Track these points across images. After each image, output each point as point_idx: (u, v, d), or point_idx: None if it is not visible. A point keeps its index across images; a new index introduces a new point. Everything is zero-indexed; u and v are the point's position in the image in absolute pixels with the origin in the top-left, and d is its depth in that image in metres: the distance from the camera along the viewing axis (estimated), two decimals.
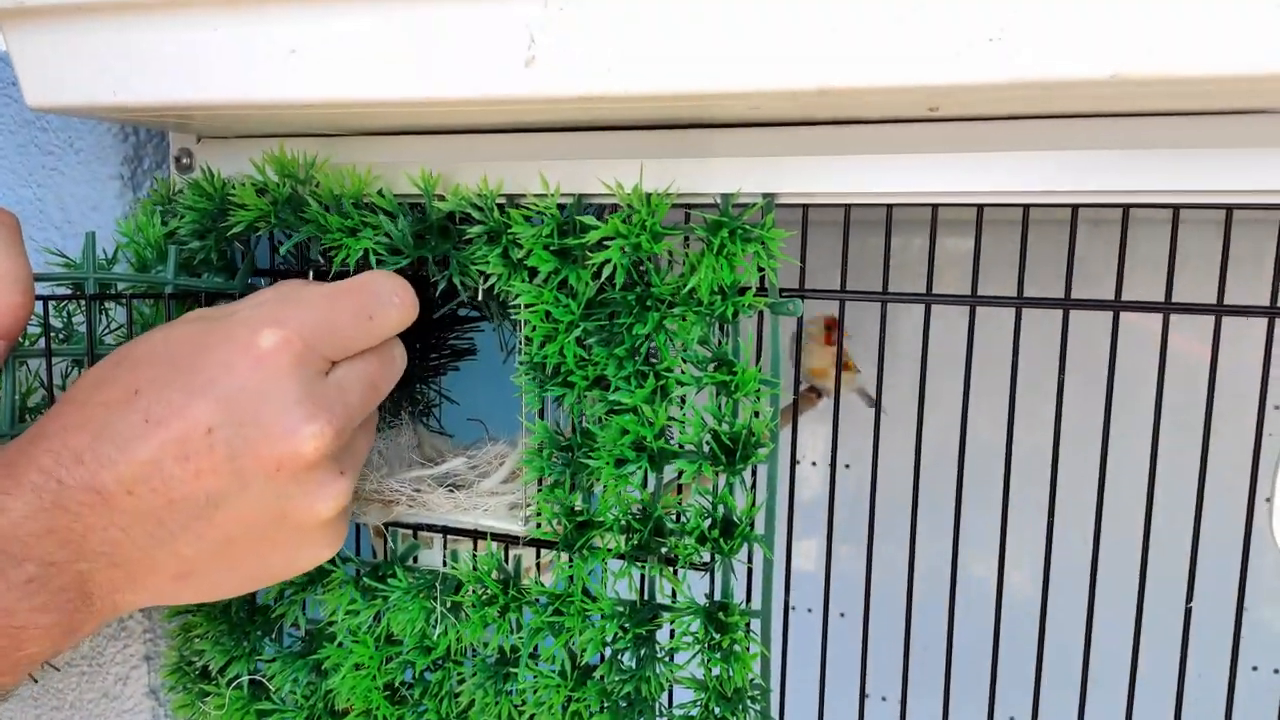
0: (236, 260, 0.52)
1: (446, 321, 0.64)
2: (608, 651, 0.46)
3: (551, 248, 0.44)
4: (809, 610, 1.00)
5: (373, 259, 0.47)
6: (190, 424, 0.37)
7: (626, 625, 0.46)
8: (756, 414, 0.44)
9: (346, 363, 0.41)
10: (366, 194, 0.48)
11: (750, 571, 0.47)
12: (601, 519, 0.46)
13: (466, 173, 0.48)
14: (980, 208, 0.42)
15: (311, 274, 0.52)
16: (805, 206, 0.44)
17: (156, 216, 0.51)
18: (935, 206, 0.43)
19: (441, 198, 0.46)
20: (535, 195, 0.45)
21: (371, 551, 0.57)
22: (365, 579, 0.50)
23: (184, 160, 0.55)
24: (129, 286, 0.50)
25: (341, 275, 0.51)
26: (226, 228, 0.49)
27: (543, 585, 0.48)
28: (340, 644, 0.50)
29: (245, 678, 0.52)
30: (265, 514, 0.39)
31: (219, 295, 0.51)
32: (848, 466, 1.23)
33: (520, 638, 0.48)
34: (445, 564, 0.51)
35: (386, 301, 0.43)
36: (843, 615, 1.25)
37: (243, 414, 0.38)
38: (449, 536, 0.53)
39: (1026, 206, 0.42)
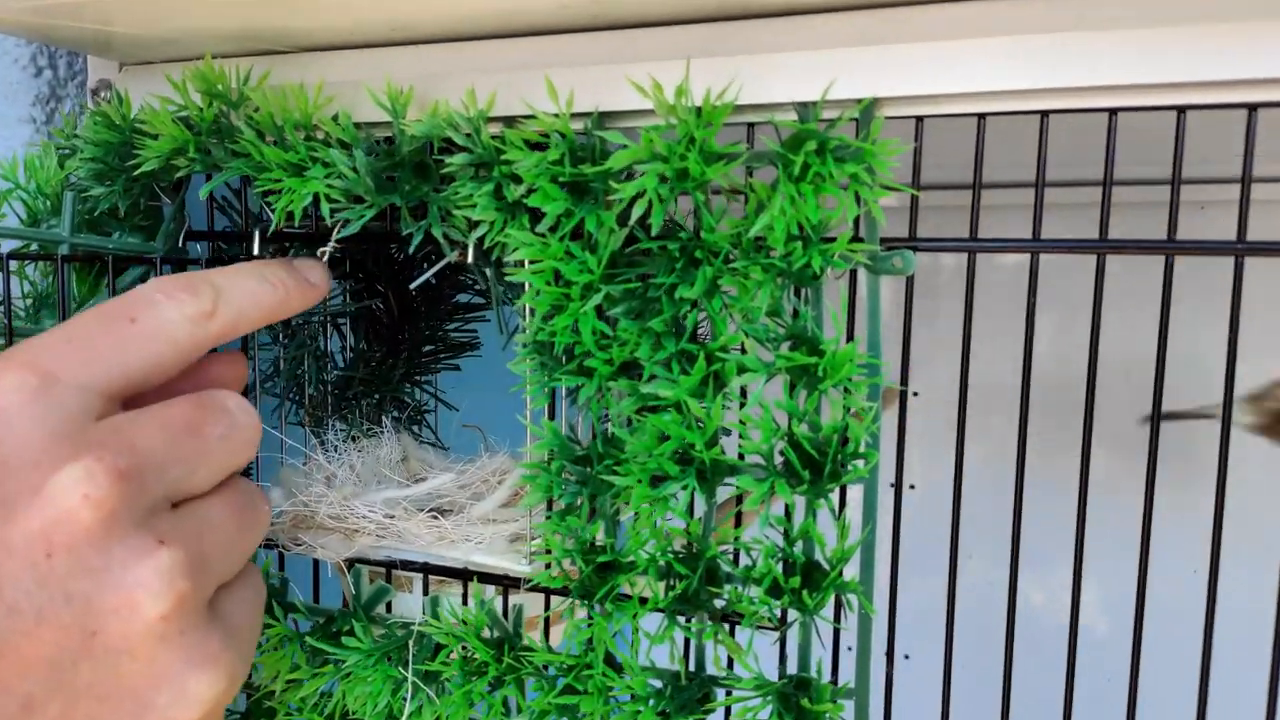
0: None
1: (442, 308, 0.52)
2: None
3: (562, 180, 0.32)
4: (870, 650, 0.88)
5: (325, 206, 0.35)
6: None
7: (667, 709, 0.33)
8: (851, 411, 0.31)
9: (135, 409, 0.29)
10: (318, 121, 0.36)
11: (838, 634, 0.34)
12: (631, 559, 0.33)
13: (448, 88, 0.35)
14: (1181, 110, 0.29)
15: (257, 237, 0.40)
16: (919, 118, 0.31)
17: (53, 158, 0.39)
18: (1113, 112, 0.29)
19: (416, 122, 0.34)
20: (540, 112, 0.32)
21: (343, 599, 0.44)
22: (313, 637, 0.37)
23: (103, 94, 0.43)
24: (23, 245, 0.39)
25: (287, 238, 0.39)
26: (134, 166, 0.37)
27: (549, 649, 0.35)
28: None
29: None
30: (62, 642, 0.25)
31: (133, 261, 0.39)
32: (913, 487, 1.09)
33: None
34: (425, 616, 0.38)
35: (147, 299, 0.29)
36: (908, 658, 1.11)
37: None
38: (431, 578, 0.40)
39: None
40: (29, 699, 0.25)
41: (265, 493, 0.32)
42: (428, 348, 0.50)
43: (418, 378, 0.50)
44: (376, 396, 0.49)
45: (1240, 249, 0.29)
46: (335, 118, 0.35)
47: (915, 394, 1.05)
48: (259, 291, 0.32)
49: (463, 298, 0.51)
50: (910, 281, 0.34)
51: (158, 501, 0.27)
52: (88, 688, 0.26)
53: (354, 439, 0.46)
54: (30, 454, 0.25)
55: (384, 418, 0.49)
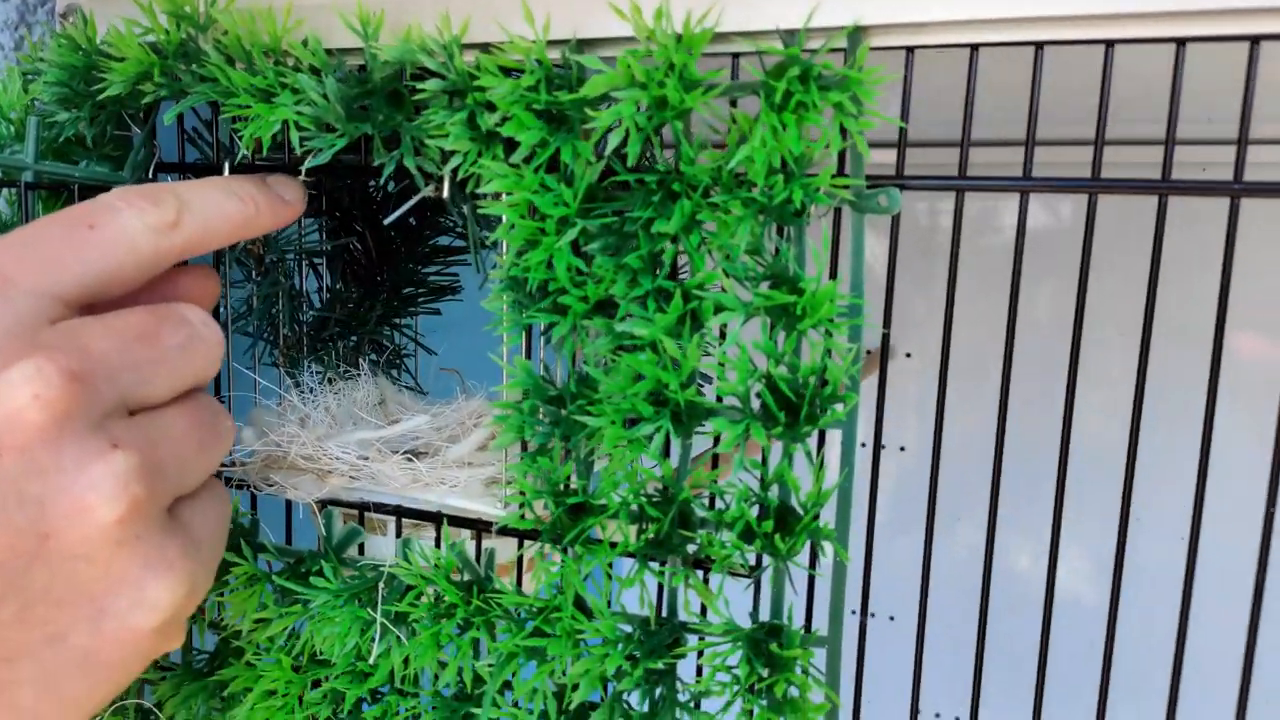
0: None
1: (422, 250, 0.51)
2: (609, 689, 0.33)
3: (537, 108, 0.30)
4: (852, 612, 0.88)
5: (294, 135, 0.34)
6: None
7: (636, 654, 0.32)
8: (831, 353, 0.30)
9: (90, 316, 0.28)
10: (288, 45, 0.34)
11: (813, 581, 0.33)
12: (603, 501, 0.32)
13: (422, 13, 0.34)
14: (1180, 43, 0.28)
15: (227, 168, 0.39)
16: (909, 49, 0.30)
17: (18, 81, 0.38)
18: (1109, 44, 0.28)
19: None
20: (516, 37, 0.31)
21: (317, 539, 0.44)
22: (281, 577, 0.37)
23: (71, 18, 0.41)
24: None
25: (258, 169, 0.38)
26: (99, 91, 0.35)
27: (520, 593, 0.34)
28: (248, 663, 0.37)
29: (130, 704, 0.39)
30: (16, 544, 0.25)
31: (101, 190, 0.38)
32: (903, 449, 1.09)
33: (489, 665, 0.34)
34: (395, 558, 0.38)
35: (108, 206, 0.29)
36: (892, 619, 1.11)
37: None
38: (405, 521, 0.39)
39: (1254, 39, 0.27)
40: None
41: (237, 432, 0.31)
42: (407, 290, 0.49)
43: (396, 320, 0.49)
44: (353, 338, 0.48)
45: (1237, 189, 0.28)
46: (305, 42, 0.34)
47: (908, 355, 1.04)
48: (227, 205, 0.31)
49: (443, 240, 0.50)
50: (896, 223, 0.33)
51: (112, 406, 0.27)
52: (43, 592, 0.25)
53: (329, 381, 0.45)
54: None
55: (361, 360, 0.48)
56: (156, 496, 0.27)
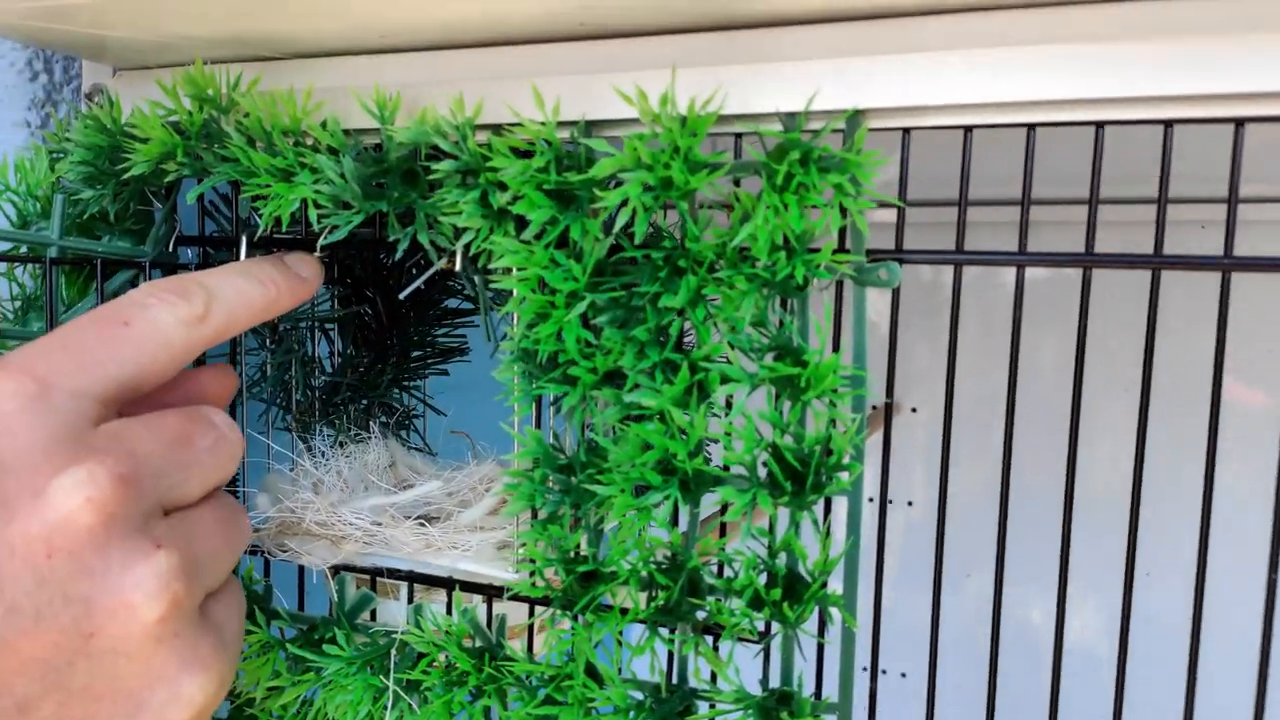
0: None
1: (431, 314, 0.52)
2: None
3: (547, 188, 0.31)
4: (863, 669, 0.88)
5: (312, 213, 0.35)
6: None
7: None
8: (835, 423, 0.30)
9: (128, 417, 0.29)
10: (306, 126, 0.36)
11: (822, 649, 0.34)
12: (613, 569, 0.33)
13: (436, 96, 0.35)
14: (1168, 124, 0.29)
15: (245, 242, 0.40)
16: (906, 130, 0.31)
17: (44, 160, 0.39)
18: (1099, 125, 0.29)
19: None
20: (527, 120, 0.32)
21: (328, 606, 0.44)
22: (294, 645, 0.37)
23: (96, 98, 0.43)
24: (12, 248, 0.39)
25: (275, 243, 0.39)
26: (124, 170, 0.37)
27: (531, 659, 0.35)
28: None
29: None
30: (60, 642, 0.25)
31: (122, 265, 0.39)
32: (910, 504, 1.09)
33: None
34: (407, 623, 0.38)
35: (139, 303, 0.30)
36: (904, 676, 1.10)
37: None
38: (416, 586, 0.40)
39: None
40: (25, 698, 0.25)
41: (251, 498, 0.32)
42: (416, 353, 0.50)
43: (406, 383, 0.50)
44: (364, 402, 0.48)
45: (1227, 264, 0.29)
46: (324, 124, 0.35)
47: (914, 410, 1.05)
48: (250, 291, 0.33)
49: (451, 303, 0.51)
50: (896, 295, 0.33)
51: (153, 507, 0.28)
52: (83, 688, 0.26)
53: (341, 445, 0.46)
54: (31, 459, 0.26)
55: (372, 423, 0.49)
56: (193, 594, 0.28)
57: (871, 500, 0.88)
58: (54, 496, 0.25)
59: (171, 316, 0.30)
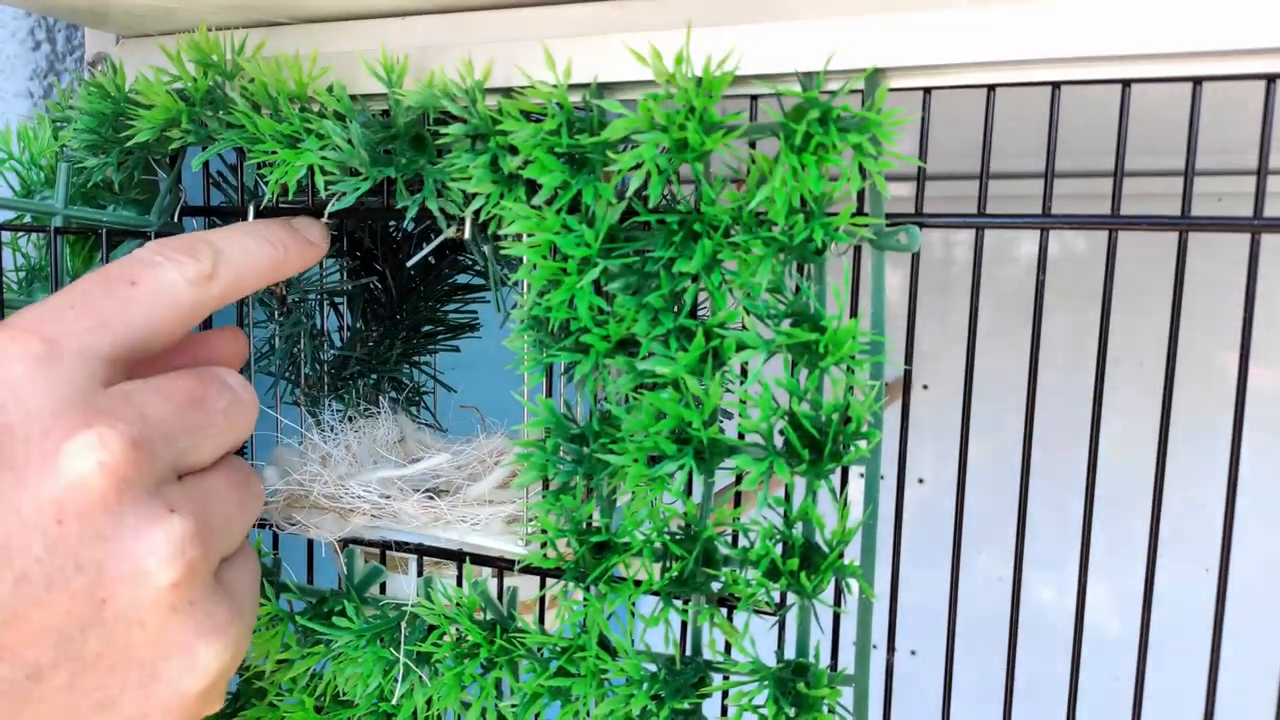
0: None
1: (441, 289, 0.51)
2: None
3: (559, 151, 0.31)
4: (874, 647, 0.88)
5: (319, 179, 0.34)
6: None
7: (661, 693, 0.32)
8: (854, 390, 0.30)
9: (139, 379, 0.28)
10: (313, 91, 0.35)
11: (837, 618, 0.33)
12: (626, 540, 0.32)
13: (445, 59, 0.35)
14: (1197, 81, 0.28)
15: (252, 211, 0.39)
16: (927, 90, 0.30)
17: (48, 129, 0.39)
18: (1126, 84, 0.29)
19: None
20: (538, 82, 0.31)
21: (337, 579, 0.44)
22: (303, 618, 0.37)
23: (99, 66, 0.42)
24: (16, 217, 0.38)
25: (282, 212, 0.38)
26: (128, 137, 0.36)
27: (543, 632, 0.34)
28: (271, 704, 0.37)
29: None
30: (72, 609, 0.25)
31: (128, 235, 0.39)
32: (921, 481, 1.08)
33: (512, 705, 0.34)
34: (417, 597, 0.38)
35: (147, 261, 0.29)
36: (914, 653, 1.10)
37: None
38: (426, 559, 0.39)
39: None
40: (37, 667, 0.25)
41: (260, 471, 0.32)
42: (426, 328, 0.50)
43: (416, 358, 0.50)
44: (374, 376, 0.48)
45: (1257, 225, 0.28)
46: (330, 89, 0.35)
47: (925, 386, 1.04)
48: (258, 251, 0.32)
49: (462, 278, 0.51)
50: (916, 260, 0.33)
51: (167, 471, 0.27)
52: (97, 657, 0.25)
53: (350, 419, 0.46)
54: (40, 422, 0.25)
55: (381, 398, 0.49)
56: (209, 559, 0.27)
57: (883, 478, 0.88)
58: (65, 461, 0.25)
59: (179, 275, 0.29)
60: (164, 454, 0.27)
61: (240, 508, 0.29)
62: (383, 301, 0.48)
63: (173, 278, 0.29)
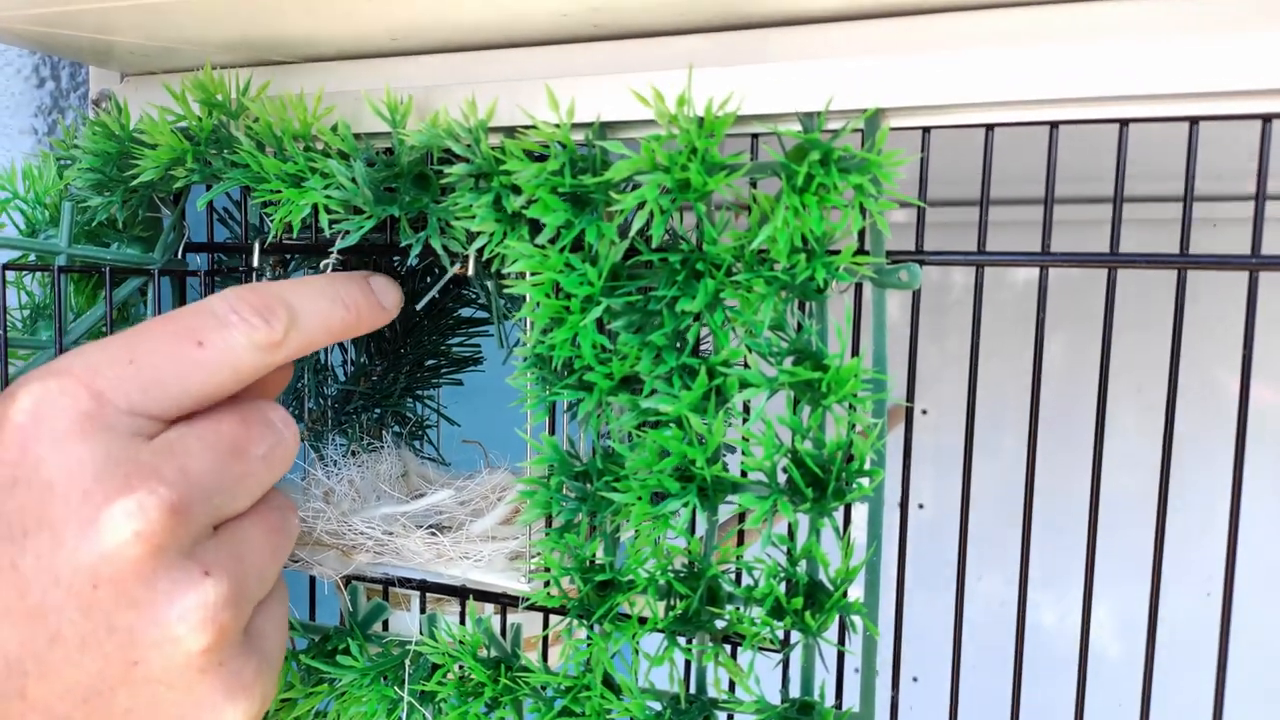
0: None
1: (444, 322, 0.51)
2: None
3: (562, 191, 0.31)
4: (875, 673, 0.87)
5: (324, 218, 0.35)
6: None
7: None
8: (857, 428, 0.30)
9: (183, 423, 0.28)
10: (317, 131, 0.35)
11: (842, 657, 0.33)
12: (630, 578, 0.32)
13: (448, 99, 0.35)
14: (1193, 121, 0.28)
15: (257, 249, 0.40)
16: (926, 129, 0.31)
17: (53, 167, 0.39)
18: (1124, 123, 0.29)
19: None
20: (541, 122, 0.32)
21: (340, 616, 0.43)
22: (307, 656, 0.37)
23: (104, 104, 0.43)
24: (20, 256, 0.38)
25: (286, 249, 0.38)
26: (133, 176, 0.36)
27: (547, 670, 0.34)
28: None
29: None
30: (103, 670, 0.25)
31: (131, 272, 0.39)
32: (921, 506, 1.08)
33: None
34: (421, 634, 0.37)
35: (220, 319, 0.28)
36: (916, 680, 1.09)
37: (24, 518, 0.25)
38: (429, 596, 0.39)
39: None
40: None
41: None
42: (429, 361, 0.50)
43: (419, 392, 0.50)
44: (377, 411, 0.48)
45: (1254, 263, 0.28)
46: (334, 128, 0.35)
47: (924, 411, 1.04)
48: (331, 315, 0.31)
49: (465, 312, 0.51)
50: (917, 296, 0.33)
51: (203, 528, 0.27)
52: (125, 713, 0.26)
53: (353, 454, 0.46)
54: (81, 483, 0.25)
55: (384, 432, 0.49)
56: (240, 618, 0.27)
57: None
58: (103, 527, 0.25)
59: (248, 340, 0.28)
60: (201, 514, 0.27)
61: (274, 554, 0.29)
62: (386, 336, 0.48)
63: (240, 342, 0.28)
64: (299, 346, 0.30)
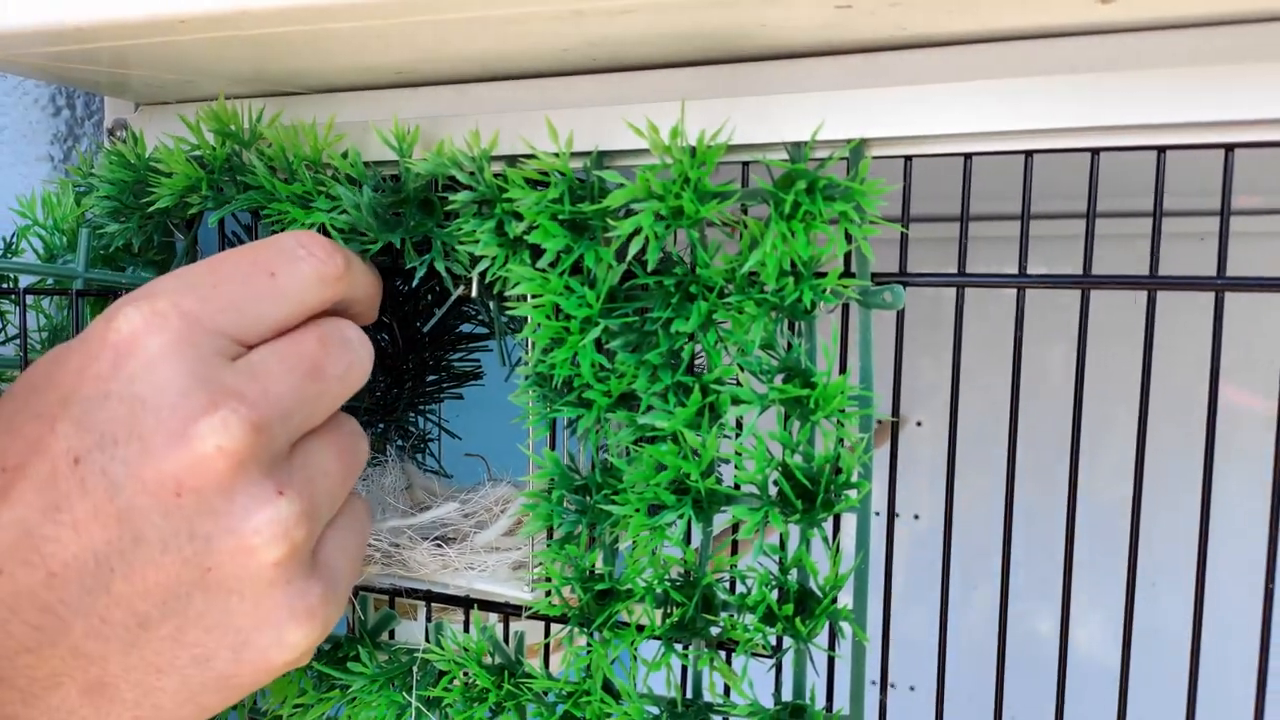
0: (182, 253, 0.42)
1: (446, 338, 0.53)
2: None
3: (561, 218, 0.33)
4: (872, 683, 0.88)
5: (335, 237, 0.36)
6: (50, 460, 0.27)
7: None
8: (844, 442, 0.31)
9: (265, 344, 0.30)
10: (328, 158, 0.37)
11: (832, 663, 0.35)
12: (629, 587, 0.34)
13: (453, 129, 0.36)
14: (1161, 150, 0.30)
15: None
16: (908, 158, 0.32)
17: (70, 195, 0.41)
18: (1095, 152, 0.30)
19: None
20: (541, 152, 0.33)
21: (350, 625, 0.45)
22: (318, 663, 0.38)
23: (119, 133, 0.44)
24: (39, 280, 0.40)
25: None
26: (148, 203, 0.38)
27: (549, 676, 0.35)
28: None
29: None
30: (181, 573, 0.27)
31: None
32: (917, 518, 1.10)
33: None
34: (428, 641, 0.39)
35: (289, 253, 0.31)
36: (913, 689, 1.11)
37: (115, 428, 0.27)
38: (435, 605, 0.41)
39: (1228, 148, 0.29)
40: (146, 617, 0.27)
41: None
42: (431, 377, 0.51)
43: (421, 406, 0.51)
44: (381, 426, 0.49)
45: (1220, 284, 0.30)
46: (345, 155, 0.36)
47: (919, 424, 1.05)
48: (368, 275, 0.34)
49: (466, 328, 0.52)
50: (901, 315, 0.34)
51: (281, 446, 0.29)
52: (198, 616, 0.28)
53: None
54: (169, 397, 0.27)
55: (388, 447, 0.50)
56: (310, 537, 0.29)
57: (879, 514, 0.89)
58: (189, 440, 0.26)
59: (315, 273, 0.31)
60: (280, 432, 0.28)
61: (344, 478, 0.31)
62: (389, 352, 0.50)
63: (309, 275, 0.31)
64: (352, 288, 0.32)
